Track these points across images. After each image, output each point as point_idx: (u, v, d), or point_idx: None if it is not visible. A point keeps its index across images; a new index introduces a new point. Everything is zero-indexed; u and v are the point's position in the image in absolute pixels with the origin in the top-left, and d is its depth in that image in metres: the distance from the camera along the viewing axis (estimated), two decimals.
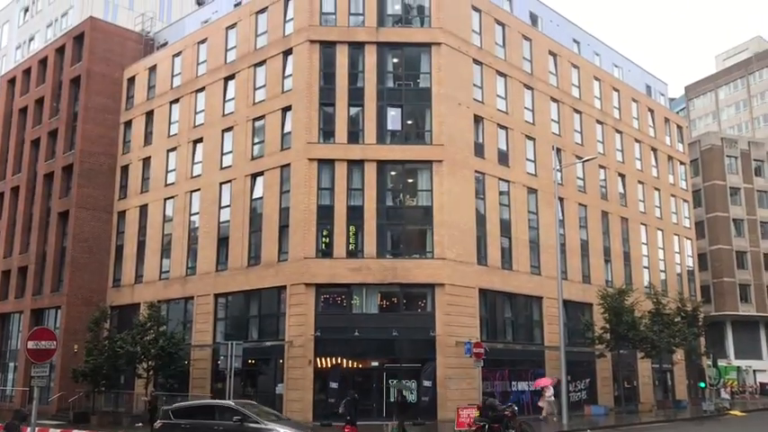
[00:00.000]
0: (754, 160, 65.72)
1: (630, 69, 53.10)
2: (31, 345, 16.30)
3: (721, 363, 52.18)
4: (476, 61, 37.17)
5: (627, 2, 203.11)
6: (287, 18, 36.69)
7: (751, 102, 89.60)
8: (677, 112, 74.30)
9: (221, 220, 37.65)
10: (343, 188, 33.49)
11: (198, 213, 39.16)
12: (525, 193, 38.81)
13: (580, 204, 42.81)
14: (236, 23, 39.47)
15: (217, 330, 36.54)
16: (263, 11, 38.10)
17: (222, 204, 37.83)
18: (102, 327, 37.12)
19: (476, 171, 35.82)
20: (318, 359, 31.73)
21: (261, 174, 35.96)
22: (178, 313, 38.73)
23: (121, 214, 43.84)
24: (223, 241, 37.18)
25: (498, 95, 38.44)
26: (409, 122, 35.08)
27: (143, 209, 42.54)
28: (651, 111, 52.39)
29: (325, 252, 32.99)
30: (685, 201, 55.01)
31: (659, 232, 50.43)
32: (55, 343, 16.82)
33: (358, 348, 31.93)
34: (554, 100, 42.35)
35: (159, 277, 40.29)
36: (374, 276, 32.33)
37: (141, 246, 42.02)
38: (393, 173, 34.31)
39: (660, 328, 40.35)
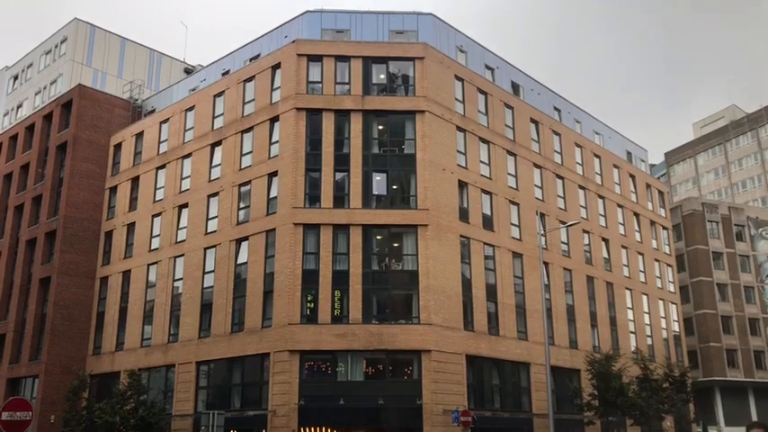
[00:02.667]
0: (735, 225, 66.51)
1: (611, 136, 54.27)
2: (5, 416, 15.77)
3: (711, 429, 51.45)
4: (459, 128, 37.89)
5: (604, 71, 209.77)
6: (274, 86, 37.44)
7: (729, 168, 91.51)
8: (658, 178, 75.61)
9: (205, 286, 37.39)
10: (329, 252, 33.47)
11: (181, 279, 38.87)
12: (510, 258, 38.93)
13: (565, 269, 42.93)
14: (223, 91, 40.16)
15: (198, 399, 35.69)
16: (250, 79, 38.86)
17: (206, 270, 37.63)
18: (80, 396, 36.11)
19: (461, 235, 36.01)
20: (303, 429, 30.94)
21: (246, 239, 35.94)
22: (159, 382, 37.86)
23: (104, 280, 43.39)
24: (206, 307, 36.79)
25: (482, 161, 39.03)
26: (394, 187, 35.45)
27: (126, 275, 42.16)
28: (632, 176, 53.30)
29: (310, 318, 32.65)
30: (669, 265, 55.36)
31: (644, 297, 50.50)
32: (30, 414, 16.31)
33: (343, 417, 31.22)
34: (537, 166, 43.03)
35: (141, 344, 39.58)
36: (360, 343, 31.95)
37: (123, 312, 41.42)
38: (379, 237, 34.45)
39: (648, 394, 39.85)
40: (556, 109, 48.19)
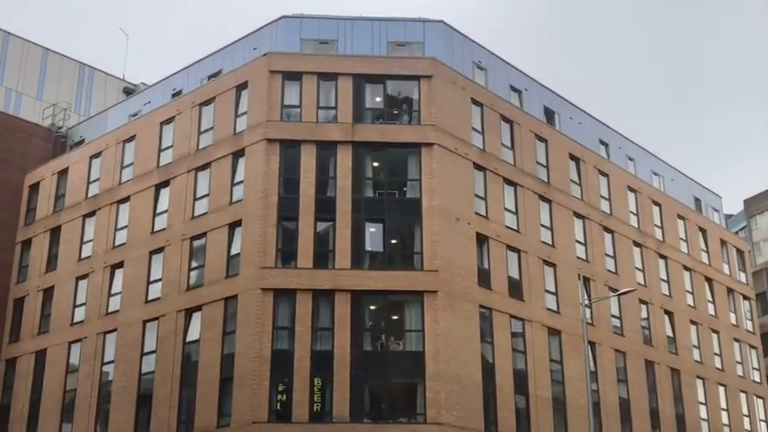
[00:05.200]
0: None
1: (674, 178, 54.59)
2: None
3: None
4: (477, 166, 38.10)
5: (664, 93, 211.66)
6: (239, 111, 37.77)
7: None
8: (736, 233, 75.77)
9: (143, 372, 37.03)
10: (307, 327, 33.24)
11: (113, 362, 38.51)
12: (545, 336, 38.68)
13: (617, 351, 42.65)
14: (173, 117, 40.50)
15: None
16: (208, 102, 39.25)
17: (145, 350, 37.33)
18: None
19: (480, 306, 35.82)
20: None
21: (198, 309, 35.73)
22: None
23: (10, 363, 42.90)
24: (144, 399, 36.36)
25: (507, 209, 39.13)
26: (394, 242, 35.47)
27: (40, 356, 41.70)
28: (703, 230, 53.42)
29: (281, 415, 32.23)
30: (753, 347, 54.98)
31: (721, 388, 49.99)
32: None
33: None
34: (578, 215, 43.16)
35: None
36: None
37: (35, 406, 40.83)
38: (373, 307, 34.30)
39: None
40: (602, 143, 48.64)
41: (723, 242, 55.82)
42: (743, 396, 51.97)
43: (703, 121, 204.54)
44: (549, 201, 41.60)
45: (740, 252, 57.95)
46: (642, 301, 45.54)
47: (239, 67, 38.79)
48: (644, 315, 45.67)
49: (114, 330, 38.93)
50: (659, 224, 49.38)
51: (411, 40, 40.03)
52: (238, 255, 35.12)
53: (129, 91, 59.24)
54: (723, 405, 49.76)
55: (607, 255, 44.36)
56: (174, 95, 43.16)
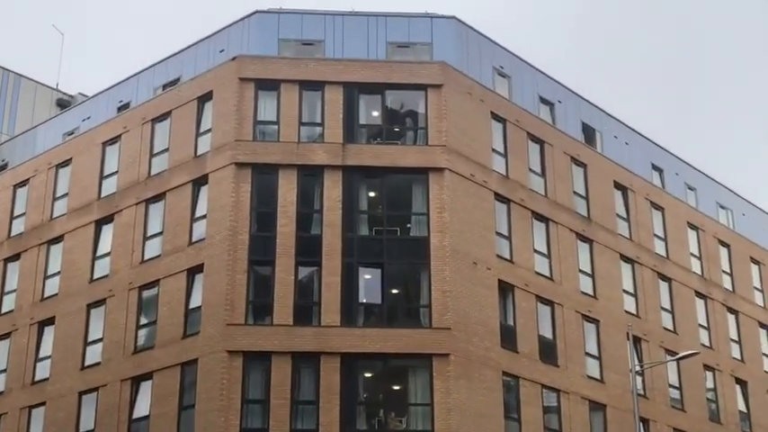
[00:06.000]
0: None
1: (747, 212, 54.42)
2: None
3: None
4: (500, 197, 38.09)
5: (733, 103, 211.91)
6: (201, 129, 37.85)
7: None
8: None
9: None
10: (285, 401, 33.00)
11: None
12: (586, 411, 38.44)
13: (676, 430, 42.36)
14: (119, 136, 40.52)
15: None
16: (162, 118, 39.29)
17: (81, 429, 37.09)
18: None
19: (504, 373, 35.63)
20: None
21: (148, 377, 35.55)
22: None
23: None
24: None
25: (537, 251, 39.04)
26: (394, 292, 35.40)
27: None
28: None
29: None
30: None
31: None
32: None
33: None
34: (626, 259, 43.07)
35: None
36: None
37: None
38: (368, 375, 34.20)
39: None
40: (656, 168, 48.59)
41: None
42: None
43: None
44: (589, 241, 41.53)
45: None
46: (708, 368, 45.29)
47: (202, 74, 38.87)
48: (710, 385, 45.43)
49: (42, 404, 38.65)
50: (728, 270, 49.30)
51: (416, 40, 40.19)
52: (199, 308, 34.98)
53: (63, 104, 59.26)
54: None
55: (663, 308, 44.19)
56: (120, 109, 43.19)
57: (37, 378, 39.52)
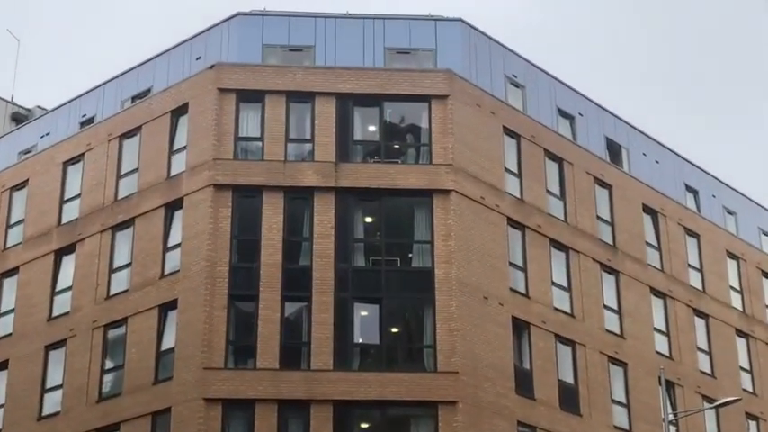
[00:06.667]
0: None
1: None
2: None
3: None
4: (513, 223, 38.16)
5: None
6: (175, 146, 37.95)
7: None
8: None
9: None
10: None
11: None
12: None
13: None
14: (82, 155, 40.62)
15: None
16: (131, 134, 39.38)
17: None
18: None
19: (520, 423, 35.56)
20: None
21: (115, 428, 35.40)
22: None
23: None
24: None
25: (556, 284, 39.10)
26: (394, 331, 35.42)
27: None
28: None
29: None
30: None
31: None
32: None
33: None
34: (657, 293, 43.12)
35: None
36: None
37: None
38: (365, 425, 34.27)
39: None
40: (690, 190, 48.68)
41: None
42: None
43: None
44: (615, 272, 41.60)
45: None
46: (750, 416, 45.30)
47: (176, 85, 38.96)
48: None
49: None
50: None
51: (419, 45, 40.33)
52: (172, 350, 34.95)
53: (19, 118, 59.32)
54: None
55: (699, 349, 44.22)
56: (83, 124, 43.30)
57: None
